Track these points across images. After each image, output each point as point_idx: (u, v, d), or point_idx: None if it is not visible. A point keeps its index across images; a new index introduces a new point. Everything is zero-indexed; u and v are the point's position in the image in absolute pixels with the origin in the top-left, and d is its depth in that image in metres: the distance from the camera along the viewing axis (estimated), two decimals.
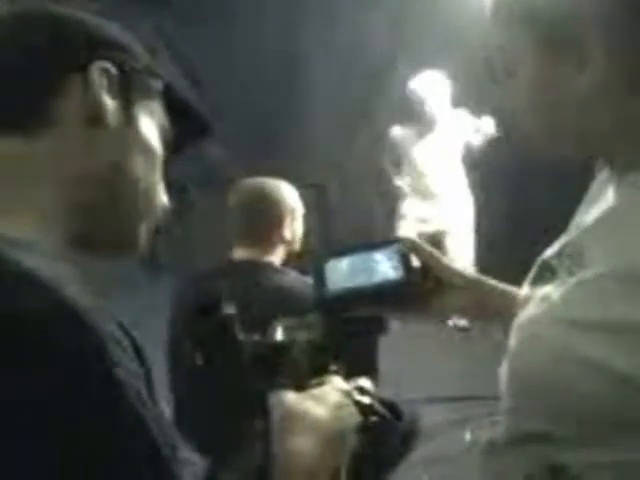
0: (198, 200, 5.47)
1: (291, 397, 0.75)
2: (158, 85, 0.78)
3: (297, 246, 2.04)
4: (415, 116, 4.33)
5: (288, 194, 2.01)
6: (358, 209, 5.14)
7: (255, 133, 5.37)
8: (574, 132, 0.78)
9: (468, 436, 3.11)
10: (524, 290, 0.91)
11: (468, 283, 1.02)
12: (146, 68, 0.76)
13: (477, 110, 4.28)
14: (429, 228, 4.41)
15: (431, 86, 4.29)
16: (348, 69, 5.20)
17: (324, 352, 1.02)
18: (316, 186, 5.33)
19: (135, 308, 2.86)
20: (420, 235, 4.37)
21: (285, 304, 1.60)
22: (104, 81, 0.69)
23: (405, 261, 1.00)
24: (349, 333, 1.07)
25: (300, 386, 0.87)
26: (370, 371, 1.45)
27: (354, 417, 0.76)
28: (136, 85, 0.74)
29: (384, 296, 1.00)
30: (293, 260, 2.01)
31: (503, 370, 0.84)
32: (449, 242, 4.45)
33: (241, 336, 1.04)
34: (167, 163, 0.82)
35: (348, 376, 1.00)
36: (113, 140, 0.70)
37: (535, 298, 0.83)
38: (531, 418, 0.78)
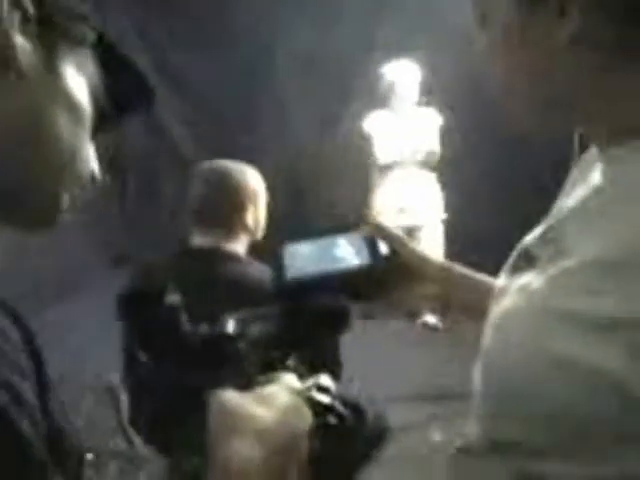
0: (164, 184, 5.33)
1: (232, 397, 0.64)
2: (90, 35, 0.67)
3: (260, 234, 1.92)
4: (386, 102, 4.26)
5: (251, 178, 1.89)
6: (332, 195, 5.01)
7: (228, 115, 5.24)
8: (549, 93, 0.68)
9: (437, 436, 3.04)
10: (501, 280, 0.81)
11: (439, 272, 0.94)
12: (75, 12, 0.65)
13: (448, 100, 4.21)
14: (404, 221, 4.32)
15: (403, 74, 4.24)
16: (322, 54, 5.08)
17: (279, 346, 0.94)
18: (289, 170, 5.22)
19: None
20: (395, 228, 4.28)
21: (243, 296, 1.49)
22: (16, 17, 0.58)
23: (371, 247, 0.92)
24: (309, 325, 0.97)
25: (247, 384, 0.77)
26: (332, 367, 1.34)
27: (305, 421, 0.66)
28: (60, 29, 0.63)
29: (347, 284, 0.91)
30: (259, 250, 1.90)
31: (476, 370, 0.75)
32: (422, 235, 4.36)
33: (187, 328, 0.95)
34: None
35: (308, 372, 0.92)
36: (26, 88, 0.59)
37: (512, 289, 0.74)
38: (507, 426, 0.69)
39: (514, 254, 0.80)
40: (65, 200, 0.65)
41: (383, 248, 0.92)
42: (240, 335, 0.93)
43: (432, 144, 4.30)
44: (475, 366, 0.76)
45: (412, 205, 4.33)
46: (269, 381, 0.71)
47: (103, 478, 2.76)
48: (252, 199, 1.86)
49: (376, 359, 3.81)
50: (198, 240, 1.83)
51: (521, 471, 0.67)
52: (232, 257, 1.78)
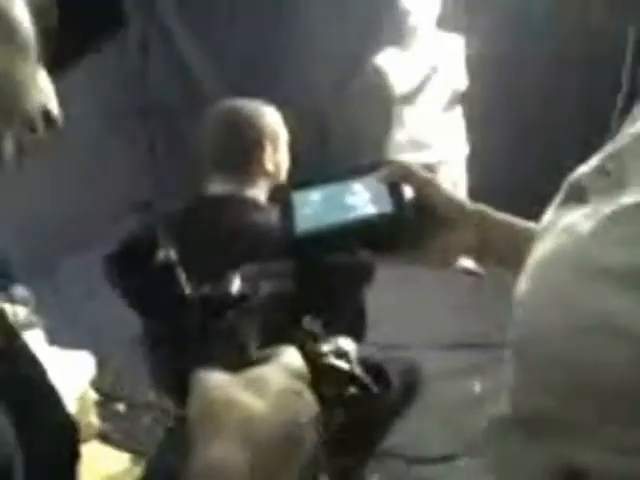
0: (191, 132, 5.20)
1: (217, 380, 0.52)
2: None
3: (282, 178, 1.78)
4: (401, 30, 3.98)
5: (270, 117, 1.73)
6: (358, 135, 4.80)
7: (252, 61, 5.05)
8: None
9: (477, 386, 2.93)
10: (546, 217, 0.69)
11: (472, 217, 0.81)
12: None
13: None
14: (425, 157, 4.08)
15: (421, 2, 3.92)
16: None
17: (292, 307, 0.81)
18: (314, 113, 5.03)
19: None
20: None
21: (262, 246, 1.36)
22: None
23: (392, 191, 0.79)
24: (325, 283, 0.85)
25: (248, 358, 0.65)
26: (354, 326, 1.22)
27: (308, 410, 0.53)
28: None
29: (366, 236, 0.79)
30: (282, 196, 1.76)
31: (511, 327, 0.64)
32: (445, 172, 4.12)
33: (183, 289, 0.83)
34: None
35: (326, 334, 0.81)
36: None
37: (557, 228, 0.63)
38: (542, 398, 0.58)
39: (564, 186, 0.67)
40: (8, 145, 0.52)
41: (407, 192, 0.79)
42: (247, 295, 0.80)
43: (456, 74, 4.01)
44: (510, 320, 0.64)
45: (433, 140, 4.09)
46: (264, 359, 0.58)
47: (137, 430, 2.73)
48: (271, 140, 1.71)
49: (413, 304, 3.70)
50: (214, 187, 1.70)
51: (560, 458, 0.55)
52: (250, 204, 1.64)
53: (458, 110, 4.11)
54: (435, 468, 2.53)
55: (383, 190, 0.79)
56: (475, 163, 4.20)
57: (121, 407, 2.85)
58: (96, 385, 2.66)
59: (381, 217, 0.76)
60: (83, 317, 3.46)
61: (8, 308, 2.74)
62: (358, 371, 0.81)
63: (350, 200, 0.79)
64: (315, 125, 5.03)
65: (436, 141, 4.07)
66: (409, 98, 3.98)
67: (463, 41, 4.01)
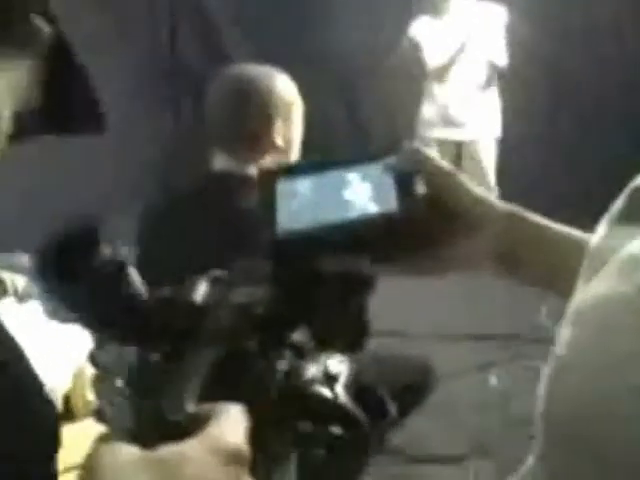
0: None
1: (115, 462, 0.37)
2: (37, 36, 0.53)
3: (294, 154, 1.61)
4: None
5: (282, 86, 1.56)
6: (388, 107, 4.58)
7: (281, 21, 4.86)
8: None
9: (494, 380, 2.78)
10: (598, 235, 0.54)
11: (503, 220, 0.64)
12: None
13: None
14: (455, 135, 3.85)
15: None
16: None
17: (275, 318, 0.67)
18: (344, 83, 4.82)
19: None
20: (436, 143, 3.85)
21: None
22: None
23: (403, 185, 0.63)
24: (314, 293, 0.70)
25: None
26: (354, 338, 1.05)
27: None
28: None
29: (367, 241, 0.63)
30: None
31: (543, 382, 0.51)
32: (473, 154, 3.88)
33: (134, 291, 0.68)
34: None
35: (319, 348, 0.68)
36: None
37: (615, 253, 0.49)
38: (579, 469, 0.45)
39: (628, 192, 0.53)
40: None
41: (419, 186, 0.63)
42: (216, 305, 0.66)
43: (495, 47, 3.75)
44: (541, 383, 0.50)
45: (465, 117, 3.86)
46: (196, 420, 0.43)
47: None
48: (282, 111, 1.54)
49: (422, 292, 3.52)
50: (218, 163, 1.54)
51: None
52: (254, 183, 1.48)
53: (494, 87, 3.86)
54: (442, 469, 2.39)
55: (390, 183, 0.63)
56: (506, 148, 3.97)
57: (120, 383, 2.75)
58: (94, 359, 2.55)
59: (384, 217, 0.61)
60: None
61: (7, 276, 2.63)
62: (344, 400, 0.66)
63: (347, 194, 0.64)
64: (343, 96, 4.84)
65: (469, 119, 3.86)
66: (441, 72, 3.76)
67: (504, 11, 3.75)
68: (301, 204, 0.63)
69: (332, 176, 0.65)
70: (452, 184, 0.62)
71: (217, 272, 0.70)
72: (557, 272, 0.64)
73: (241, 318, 0.63)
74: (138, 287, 0.67)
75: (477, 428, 2.49)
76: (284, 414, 0.64)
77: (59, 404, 2.34)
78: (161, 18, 5.15)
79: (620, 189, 0.55)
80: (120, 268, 0.65)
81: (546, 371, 0.51)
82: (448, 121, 3.85)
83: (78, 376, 2.37)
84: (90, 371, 2.26)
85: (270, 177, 0.67)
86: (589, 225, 0.61)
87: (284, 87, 1.56)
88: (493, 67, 3.78)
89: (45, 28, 0.54)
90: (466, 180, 0.63)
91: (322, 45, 4.69)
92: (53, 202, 3.77)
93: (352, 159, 0.66)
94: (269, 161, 1.54)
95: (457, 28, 3.71)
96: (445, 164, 0.63)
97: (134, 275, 0.68)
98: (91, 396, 2.52)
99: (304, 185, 0.64)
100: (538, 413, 0.51)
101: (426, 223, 0.61)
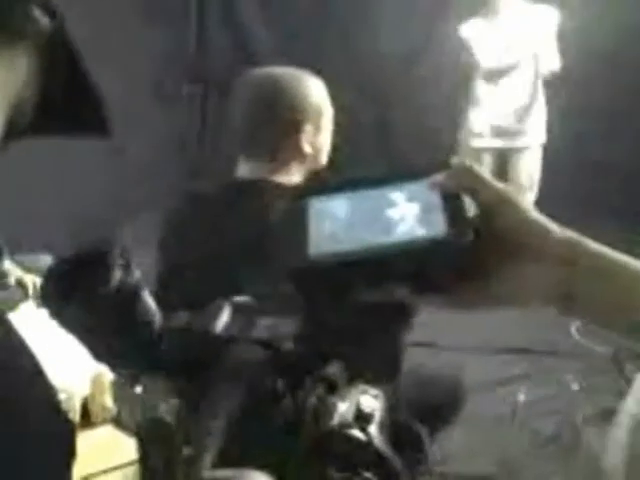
0: None
1: None
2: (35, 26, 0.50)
3: (322, 162, 1.54)
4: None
5: (311, 89, 1.48)
6: (424, 115, 4.48)
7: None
8: None
9: (522, 396, 2.69)
10: None
11: (561, 248, 0.57)
12: None
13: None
14: (502, 143, 3.72)
15: None
16: None
17: (302, 360, 0.62)
18: (375, 84, 4.72)
19: None
20: (482, 151, 3.74)
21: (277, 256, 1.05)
22: None
23: (452, 206, 0.56)
24: (349, 326, 0.63)
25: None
26: (386, 372, 0.97)
27: None
28: None
29: (411, 268, 0.55)
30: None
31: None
32: (526, 166, 3.75)
33: (149, 317, 0.63)
34: None
35: (350, 382, 0.61)
36: None
37: None
38: None
39: None
40: None
41: (469, 208, 0.56)
42: (234, 337, 0.60)
43: (546, 52, 3.59)
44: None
45: (514, 126, 3.72)
46: None
47: None
48: (311, 117, 1.46)
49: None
50: (243, 170, 1.47)
51: None
52: (280, 192, 1.41)
53: (542, 92, 3.72)
54: None
55: (437, 203, 0.56)
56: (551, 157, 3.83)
57: (139, 389, 2.70)
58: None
59: (431, 242, 0.54)
60: None
61: (28, 278, 2.60)
62: (379, 444, 0.59)
63: (389, 215, 0.57)
64: (374, 105, 4.76)
65: (518, 126, 3.71)
66: (494, 75, 3.62)
67: (557, 14, 3.62)
68: (336, 225, 0.57)
69: (371, 195, 0.58)
70: (507, 207, 0.55)
71: (240, 298, 0.63)
72: (619, 310, 0.57)
73: (266, 353, 0.57)
74: (152, 314, 0.61)
75: (505, 445, 2.42)
76: (314, 462, 0.58)
77: (77, 410, 2.30)
78: (188, 14, 5.11)
79: None
80: (133, 293, 0.59)
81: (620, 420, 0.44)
82: (496, 129, 3.72)
83: (97, 381, 2.33)
84: (109, 377, 2.21)
85: (301, 196, 0.60)
86: None
87: (314, 91, 1.48)
88: (543, 71, 3.64)
89: (43, 20, 0.50)
90: (523, 203, 0.56)
91: (354, 48, 4.62)
92: (73, 204, 3.75)
93: (392, 176, 0.59)
94: (297, 169, 1.47)
95: (508, 30, 3.57)
96: (499, 184, 0.56)
97: (148, 300, 0.62)
98: (110, 402, 2.48)
99: (340, 205, 0.58)
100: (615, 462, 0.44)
101: (477, 250, 0.54)
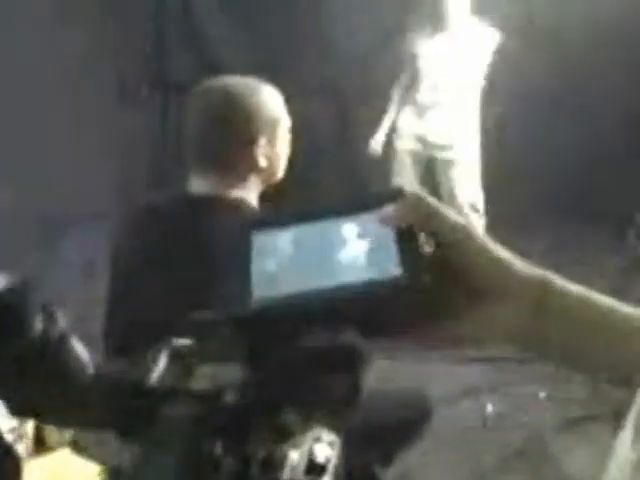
0: None
1: None
2: None
3: (278, 175, 1.48)
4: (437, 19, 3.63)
5: (268, 101, 1.42)
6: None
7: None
8: None
9: (490, 407, 2.65)
10: None
11: (530, 288, 0.52)
12: None
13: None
14: (426, 151, 3.72)
15: None
16: None
17: (247, 411, 0.56)
18: (333, 92, 4.68)
19: None
20: (414, 155, 3.75)
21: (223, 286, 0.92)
22: None
23: (406, 242, 0.51)
24: (297, 373, 0.58)
25: None
26: (344, 408, 0.91)
27: None
28: None
29: (361, 312, 0.50)
30: (278, 196, 1.48)
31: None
32: (455, 176, 3.73)
33: (81, 365, 0.57)
34: None
35: (306, 422, 0.56)
36: None
37: None
38: None
39: None
40: None
41: (424, 243, 0.51)
42: (173, 389, 0.54)
43: (481, 68, 3.64)
44: None
45: (447, 136, 3.71)
46: None
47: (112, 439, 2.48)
48: (266, 129, 1.40)
49: None
50: (196, 183, 1.40)
51: None
52: (235, 207, 1.34)
53: (477, 106, 3.72)
54: None
55: (390, 238, 0.51)
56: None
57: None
58: None
59: (383, 285, 0.48)
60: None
61: None
62: None
63: (339, 253, 0.51)
64: (336, 109, 4.72)
65: (450, 137, 3.72)
66: (429, 89, 3.66)
67: (497, 35, 3.66)
68: (281, 263, 0.51)
69: (321, 229, 0.52)
70: (467, 244, 0.50)
71: (180, 341, 0.57)
72: (585, 349, 0.53)
73: (206, 406, 0.51)
74: (82, 362, 0.55)
75: (473, 459, 2.38)
76: None
77: (30, 436, 2.20)
78: (147, 23, 5.01)
79: None
80: (59, 341, 0.53)
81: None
82: (425, 135, 3.73)
83: None
84: None
85: (246, 228, 0.54)
86: None
87: (270, 102, 1.42)
88: (477, 86, 3.68)
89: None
90: (484, 239, 0.51)
91: (315, 56, 4.59)
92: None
93: (344, 207, 0.53)
94: (252, 182, 1.41)
95: (451, 46, 3.64)
96: (457, 218, 0.51)
97: (77, 348, 0.56)
98: None
99: (286, 241, 0.52)
100: None
101: (434, 290, 0.49)
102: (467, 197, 3.74)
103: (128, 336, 1.10)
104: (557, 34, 4.07)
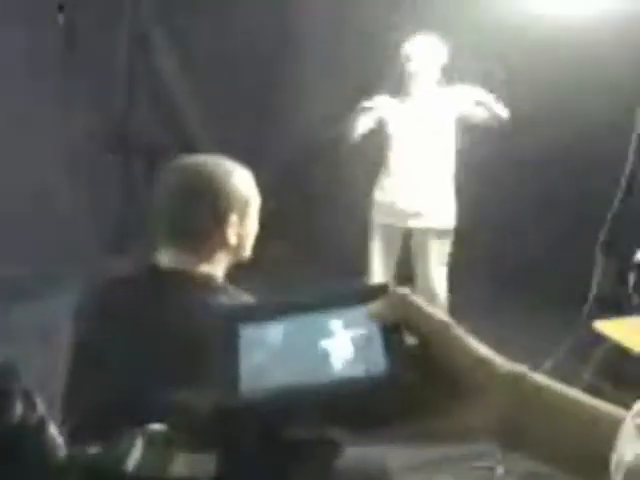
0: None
1: None
2: None
3: (246, 253, 1.52)
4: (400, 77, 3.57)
5: (238, 180, 1.46)
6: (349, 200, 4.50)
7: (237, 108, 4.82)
8: None
9: None
10: None
11: (506, 384, 0.55)
12: None
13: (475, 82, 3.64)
14: (411, 222, 3.65)
15: (423, 48, 3.54)
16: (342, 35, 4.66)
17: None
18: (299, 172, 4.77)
19: None
20: (387, 229, 3.74)
21: (202, 344, 0.83)
22: None
23: (392, 338, 0.53)
24: (277, 463, 0.59)
25: None
26: None
27: None
28: None
29: (345, 408, 0.52)
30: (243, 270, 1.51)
31: None
32: (433, 246, 3.67)
33: (56, 450, 0.57)
34: None
35: None
36: None
37: None
38: None
39: None
40: None
41: (408, 340, 0.54)
42: (151, 472, 0.55)
43: (453, 131, 3.60)
44: None
45: (420, 204, 3.65)
46: None
47: None
48: (237, 207, 1.44)
49: None
50: (162, 257, 1.42)
51: None
52: (201, 282, 1.36)
53: (451, 173, 3.69)
54: None
55: (375, 334, 0.53)
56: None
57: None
58: None
59: (369, 382, 0.51)
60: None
61: None
62: None
63: (325, 348, 0.53)
64: (300, 187, 4.78)
65: (421, 205, 3.66)
66: (400, 151, 3.62)
67: (467, 96, 3.62)
68: (269, 357, 0.53)
69: (307, 323, 0.54)
70: (447, 339, 0.53)
71: (155, 427, 0.58)
72: (566, 446, 0.54)
73: None
74: (57, 447, 0.56)
75: None
76: None
77: None
78: (117, 86, 5.06)
79: None
80: (37, 427, 0.54)
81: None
82: (398, 207, 3.66)
83: None
84: None
85: (232, 319, 0.56)
86: None
87: (241, 182, 1.47)
88: (450, 150, 3.65)
89: None
90: (463, 334, 0.54)
91: (281, 136, 4.67)
92: None
93: (330, 301, 0.56)
94: (221, 259, 1.43)
95: (417, 110, 3.60)
96: (439, 314, 0.54)
97: (53, 432, 0.56)
98: None
99: (274, 333, 0.54)
100: None
101: (417, 386, 0.52)
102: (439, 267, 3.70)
103: (90, 416, 1.08)
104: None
